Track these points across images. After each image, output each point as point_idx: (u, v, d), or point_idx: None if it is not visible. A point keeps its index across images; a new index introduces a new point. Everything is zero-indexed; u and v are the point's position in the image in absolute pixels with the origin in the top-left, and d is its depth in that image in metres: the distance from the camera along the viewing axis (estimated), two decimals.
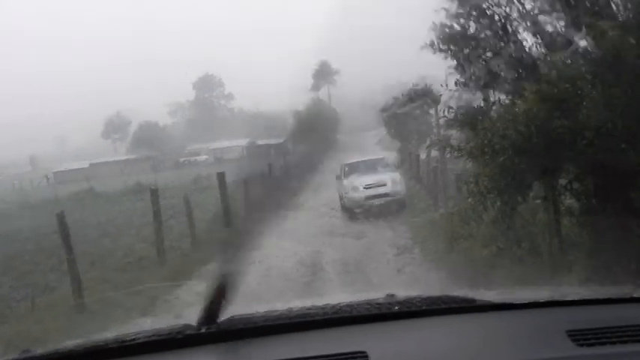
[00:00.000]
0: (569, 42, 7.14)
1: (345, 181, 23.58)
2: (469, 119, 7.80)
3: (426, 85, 8.52)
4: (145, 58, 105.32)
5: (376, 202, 21.74)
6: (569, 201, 8.45)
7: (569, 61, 7.16)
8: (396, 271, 12.88)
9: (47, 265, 14.27)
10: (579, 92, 6.36)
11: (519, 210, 8.74)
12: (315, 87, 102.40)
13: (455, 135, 9.29)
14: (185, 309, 12.13)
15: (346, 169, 25.08)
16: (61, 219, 11.46)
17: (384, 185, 22.41)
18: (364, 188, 22.46)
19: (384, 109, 32.55)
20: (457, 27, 7.69)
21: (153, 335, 2.37)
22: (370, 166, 24.89)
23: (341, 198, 23.40)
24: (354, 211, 21.96)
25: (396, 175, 23.34)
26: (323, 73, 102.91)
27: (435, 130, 24.19)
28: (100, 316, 11.38)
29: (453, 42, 7.56)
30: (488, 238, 10.41)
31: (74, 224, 20.03)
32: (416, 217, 18.90)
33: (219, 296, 2.48)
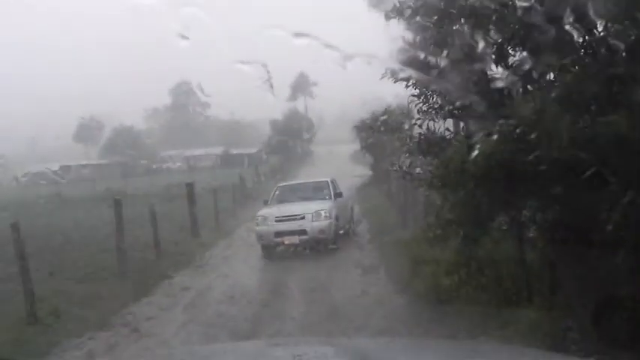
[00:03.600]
0: (532, 72, 7.05)
1: (261, 210, 19.61)
2: (430, 149, 7.70)
3: (386, 111, 8.19)
4: (123, 62, 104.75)
5: (287, 239, 17.83)
6: (532, 234, 8.38)
7: (535, 91, 7.07)
8: (361, 292, 12.81)
9: (3, 274, 13.86)
10: (542, 124, 6.26)
11: (483, 239, 8.66)
12: (293, 97, 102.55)
13: (418, 162, 9.21)
14: (142, 323, 11.97)
15: (277, 192, 21.07)
16: (16, 229, 11.19)
17: (302, 219, 18.18)
18: (276, 221, 18.32)
19: (357, 125, 32.35)
20: (419, 55, 7.54)
21: None
22: (306, 192, 20.61)
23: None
24: (270, 248, 18.29)
25: (326, 207, 18.69)
26: (301, 84, 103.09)
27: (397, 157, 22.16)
28: (52, 330, 11.12)
29: (413, 68, 7.40)
30: (452, 264, 10.33)
31: (38, 231, 19.81)
32: (384, 236, 18.74)
33: None
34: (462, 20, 7.51)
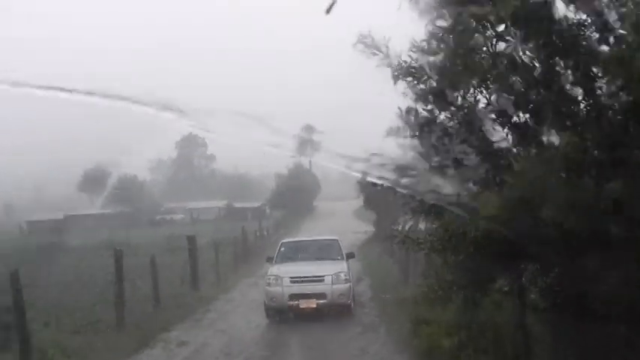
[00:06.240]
0: (537, 136, 7.06)
1: (271, 268, 17.73)
2: (432, 209, 7.67)
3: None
4: (130, 112, 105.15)
5: (304, 303, 15.98)
6: (533, 296, 8.32)
7: (535, 155, 7.06)
8: (360, 351, 12.74)
9: (0, 323, 13.72)
10: (542, 190, 6.25)
11: (484, 301, 8.60)
12: (297, 152, 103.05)
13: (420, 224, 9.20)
14: None
15: (282, 249, 19.18)
16: (15, 278, 11.15)
17: (320, 281, 16.39)
18: (291, 282, 16.47)
19: (360, 181, 32.41)
20: (425, 113, 7.57)
21: None
22: (314, 250, 18.89)
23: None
24: (278, 312, 16.41)
25: (342, 268, 17.04)
26: (306, 140, 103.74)
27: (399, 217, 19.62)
28: None
29: (419, 128, 7.42)
30: (452, 326, 10.25)
31: (38, 280, 19.72)
32: (385, 294, 18.57)
33: None
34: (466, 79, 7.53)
